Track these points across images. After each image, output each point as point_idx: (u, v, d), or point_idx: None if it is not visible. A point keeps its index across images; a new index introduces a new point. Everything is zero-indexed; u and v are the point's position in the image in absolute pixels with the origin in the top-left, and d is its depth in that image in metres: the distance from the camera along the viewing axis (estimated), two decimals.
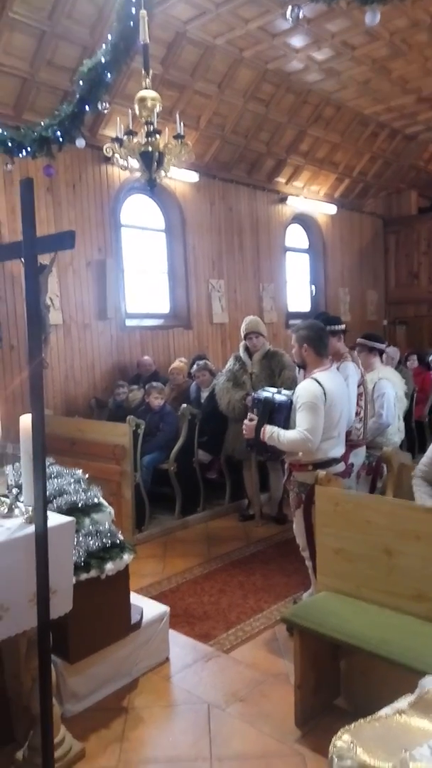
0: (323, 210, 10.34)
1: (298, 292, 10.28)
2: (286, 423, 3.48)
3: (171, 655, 3.40)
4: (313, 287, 10.58)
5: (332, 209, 10.43)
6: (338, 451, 3.50)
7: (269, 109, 7.99)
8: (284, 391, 3.74)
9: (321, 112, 8.57)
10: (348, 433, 3.80)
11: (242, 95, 7.56)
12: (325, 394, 3.33)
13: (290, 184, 9.57)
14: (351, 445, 3.88)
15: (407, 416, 6.27)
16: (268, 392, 3.75)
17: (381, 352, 4.81)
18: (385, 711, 1.50)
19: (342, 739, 1.35)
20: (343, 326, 4.19)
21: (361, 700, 2.82)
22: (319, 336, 3.52)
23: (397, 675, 2.38)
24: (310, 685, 2.82)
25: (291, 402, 3.50)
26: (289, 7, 4.15)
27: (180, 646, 3.51)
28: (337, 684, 2.98)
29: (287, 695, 2.89)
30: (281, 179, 9.39)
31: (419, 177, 11.94)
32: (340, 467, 3.53)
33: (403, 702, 1.52)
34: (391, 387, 4.49)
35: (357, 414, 3.96)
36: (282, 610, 3.78)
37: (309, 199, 9.96)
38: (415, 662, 2.31)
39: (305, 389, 3.39)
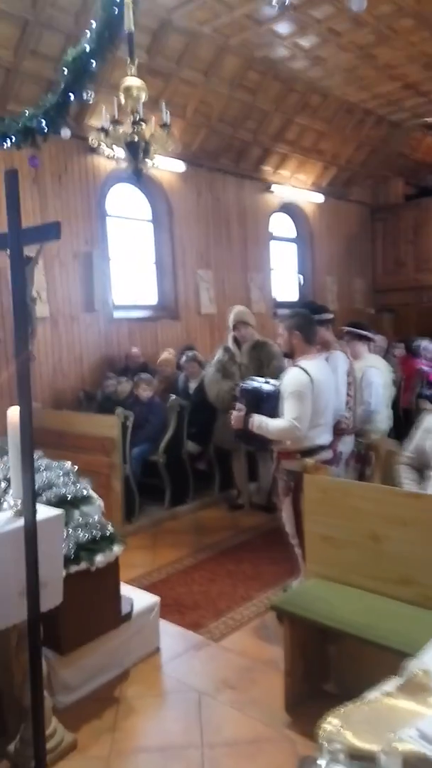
0: (310, 198, 10.32)
1: (285, 282, 10.28)
2: (274, 412, 3.49)
3: (162, 645, 3.43)
4: (301, 276, 10.58)
5: (319, 198, 10.42)
6: (325, 438, 3.53)
7: (256, 97, 7.95)
8: (272, 381, 3.74)
9: (307, 100, 8.54)
10: (337, 422, 3.83)
11: (228, 83, 7.51)
12: (312, 382, 3.35)
13: (277, 173, 9.54)
14: (340, 433, 3.91)
15: (394, 404, 6.31)
16: (255, 382, 3.76)
17: (369, 340, 4.83)
18: (373, 694, 1.52)
19: (331, 723, 1.37)
20: (331, 315, 4.20)
21: (351, 685, 2.86)
22: (309, 324, 3.57)
23: (385, 658, 2.41)
24: (299, 671, 2.86)
25: (278, 392, 3.51)
26: None
27: (170, 635, 3.53)
28: (327, 669, 3.02)
29: (277, 682, 2.93)
30: (268, 168, 9.36)
31: (405, 165, 11.94)
32: (328, 454, 3.55)
33: (390, 685, 1.54)
34: (378, 375, 4.52)
35: (346, 403, 3.98)
36: (271, 597, 3.82)
37: (296, 187, 9.94)
38: (403, 645, 2.34)
39: (292, 378, 3.41)
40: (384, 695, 1.52)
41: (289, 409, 3.36)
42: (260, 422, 3.44)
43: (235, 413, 3.63)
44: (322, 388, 3.41)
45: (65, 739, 2.62)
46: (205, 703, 2.92)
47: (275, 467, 3.67)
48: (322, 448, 3.50)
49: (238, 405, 3.66)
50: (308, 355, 3.51)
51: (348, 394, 4.01)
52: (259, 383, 3.72)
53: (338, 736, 1.26)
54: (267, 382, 3.75)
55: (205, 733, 2.71)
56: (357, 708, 1.46)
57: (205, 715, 2.84)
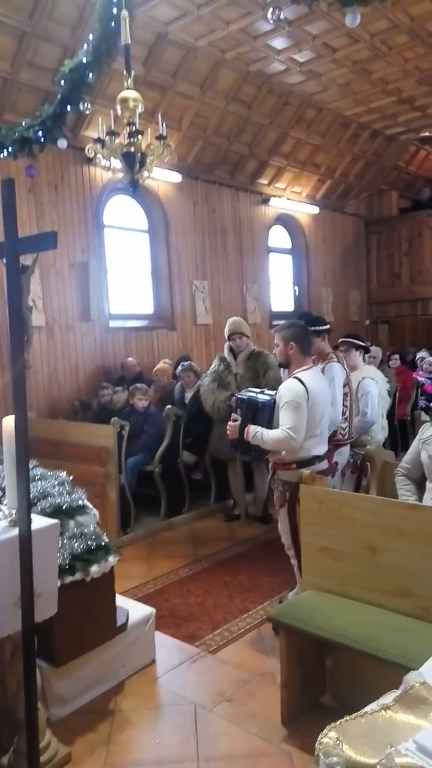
0: (305, 211, 10.39)
1: (281, 293, 10.31)
2: (270, 423, 3.49)
3: (157, 657, 3.40)
4: (296, 288, 10.63)
5: (314, 210, 10.49)
6: (321, 449, 3.53)
7: (251, 110, 8.02)
8: (267, 391, 3.74)
9: (302, 113, 8.62)
10: (333, 433, 3.83)
11: (224, 97, 7.58)
12: (307, 392, 3.35)
13: (272, 186, 9.61)
14: (336, 444, 3.91)
15: (390, 415, 6.33)
16: (251, 393, 3.76)
17: (365, 351, 4.85)
18: (370, 707, 1.51)
19: (328, 736, 1.36)
20: (327, 326, 4.21)
21: (348, 697, 2.84)
22: (305, 335, 3.57)
23: (382, 671, 2.40)
24: (296, 684, 2.83)
25: (274, 402, 3.51)
26: (270, 9, 4.18)
27: (166, 647, 3.50)
28: (323, 682, 2.99)
29: (273, 694, 2.90)
30: (263, 181, 9.42)
31: (400, 178, 12.06)
32: (323, 465, 3.55)
33: (388, 698, 1.53)
34: (374, 385, 4.53)
35: (342, 414, 3.99)
36: (268, 609, 3.79)
37: (291, 200, 10.01)
38: (400, 658, 2.33)
39: (288, 388, 3.40)
40: (382, 708, 1.50)
41: (285, 419, 3.36)
42: (256, 432, 3.43)
43: (231, 423, 3.62)
44: (317, 399, 3.41)
45: (59, 752, 2.59)
46: (200, 716, 2.89)
47: (271, 477, 3.66)
48: (317, 458, 3.50)
49: (234, 415, 3.65)
50: (304, 365, 3.51)
51: (344, 405, 4.02)
52: (255, 393, 3.72)
53: (336, 750, 1.24)
54: (262, 392, 3.75)
55: (201, 746, 2.68)
56: (355, 721, 1.45)
57: (201, 728, 2.81)
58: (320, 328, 4.12)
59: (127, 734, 2.80)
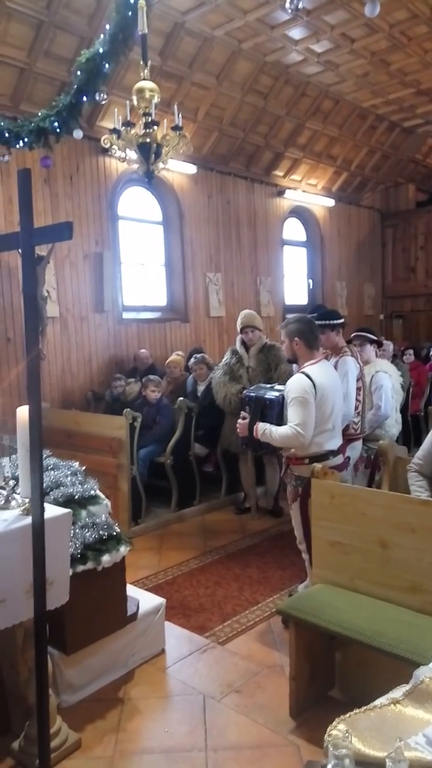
0: (321, 203, 10.32)
1: (295, 286, 10.27)
2: (279, 419, 3.48)
3: (167, 647, 3.42)
4: (311, 281, 10.58)
5: (330, 203, 10.41)
6: (334, 443, 3.51)
7: (267, 101, 7.96)
8: (278, 387, 3.74)
9: (319, 104, 8.55)
10: (346, 427, 3.81)
11: (240, 87, 7.53)
12: (315, 387, 3.31)
13: (288, 178, 9.55)
14: (348, 438, 3.89)
15: (403, 410, 6.29)
16: (261, 389, 3.76)
17: (379, 344, 4.82)
18: (380, 701, 1.51)
19: (337, 729, 1.36)
20: (341, 320, 4.18)
21: (356, 691, 2.85)
22: (310, 329, 3.50)
23: (391, 666, 2.40)
24: (304, 677, 2.84)
25: (283, 398, 3.49)
26: None
27: (176, 637, 3.52)
28: (332, 675, 3.00)
29: (282, 686, 2.92)
30: (279, 172, 9.36)
31: (417, 171, 11.93)
32: (338, 459, 3.54)
33: (398, 692, 1.53)
34: (388, 379, 4.50)
35: (355, 408, 3.97)
36: (277, 602, 3.81)
37: (307, 192, 9.94)
38: (410, 653, 2.32)
39: (295, 384, 3.38)
40: (391, 702, 1.50)
41: (292, 415, 3.34)
42: (264, 429, 3.42)
43: (240, 421, 3.62)
44: (326, 393, 3.37)
45: (69, 738, 2.62)
46: (209, 706, 2.91)
47: (284, 472, 3.66)
48: (332, 453, 3.48)
49: (243, 413, 3.65)
50: (312, 360, 3.47)
51: (357, 399, 3.99)
52: (265, 389, 3.72)
53: (345, 742, 1.25)
54: (272, 388, 3.74)
55: (210, 736, 2.70)
56: (364, 714, 1.45)
57: (210, 718, 2.82)
58: (335, 321, 4.09)
59: (137, 722, 2.82)
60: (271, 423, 3.47)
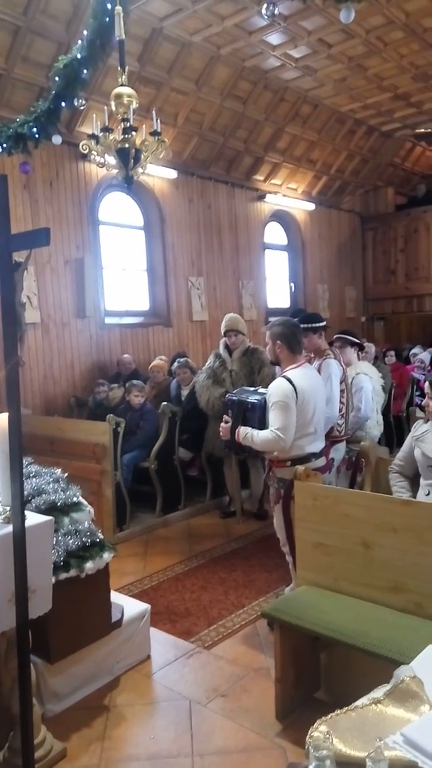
0: (301, 207, 10.39)
1: (277, 290, 10.31)
2: (261, 423, 3.50)
3: (152, 653, 3.41)
4: (292, 284, 10.63)
5: (310, 206, 10.48)
6: (316, 446, 3.53)
7: (246, 106, 8.00)
8: (261, 390, 3.77)
9: (298, 109, 8.61)
10: (330, 430, 3.84)
11: (219, 93, 7.56)
12: (296, 391, 3.34)
13: (268, 182, 9.59)
14: (333, 440, 3.92)
15: (385, 411, 6.34)
16: (245, 392, 3.79)
17: (360, 347, 4.86)
18: (361, 701, 1.52)
19: (318, 730, 1.37)
20: (323, 323, 4.21)
21: (341, 692, 2.85)
22: (293, 333, 3.53)
23: (376, 666, 2.41)
24: (290, 679, 2.85)
25: (265, 402, 3.52)
26: (265, 5, 4.17)
27: (161, 643, 3.51)
28: (318, 677, 3.01)
29: (268, 689, 2.92)
30: (259, 177, 9.41)
31: (396, 174, 12.05)
32: (320, 462, 3.56)
33: (378, 692, 1.54)
34: (368, 381, 4.54)
35: (340, 411, 4.00)
36: (263, 605, 3.81)
37: (287, 196, 10.00)
38: (393, 653, 2.34)
39: (276, 388, 3.40)
40: (373, 702, 1.52)
41: (273, 420, 3.36)
42: (246, 433, 3.45)
43: (222, 425, 3.65)
44: (307, 397, 3.39)
45: (54, 747, 2.60)
46: (195, 711, 2.90)
47: (267, 475, 3.68)
48: (313, 455, 3.50)
49: (225, 417, 3.68)
50: (294, 363, 3.50)
51: (341, 401, 4.02)
52: (248, 393, 3.74)
53: (326, 743, 1.25)
54: (256, 391, 3.77)
55: (196, 741, 2.69)
56: (345, 715, 1.46)
57: (196, 723, 2.82)
58: (317, 324, 4.12)
59: (122, 730, 2.81)
60: (253, 426, 3.49)
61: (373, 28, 6.69)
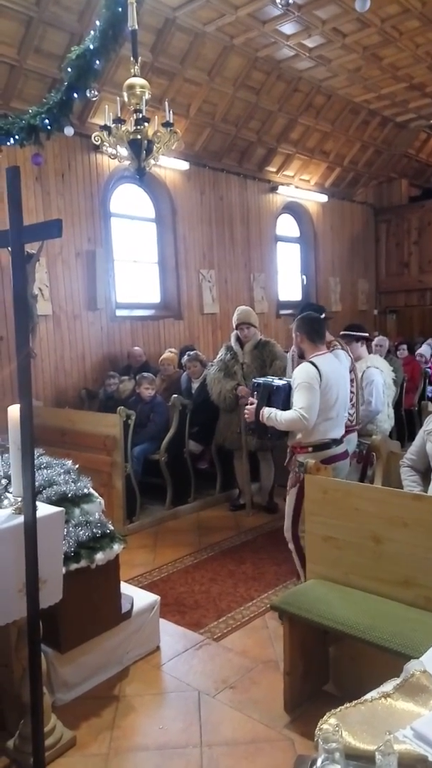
0: (314, 199, 10.32)
1: (289, 282, 10.27)
2: (285, 405, 3.59)
3: (162, 644, 3.42)
4: (304, 277, 10.58)
5: (323, 198, 10.41)
6: (337, 432, 3.61)
7: (260, 97, 7.95)
8: (285, 378, 3.89)
9: (312, 100, 8.54)
10: None
11: (232, 83, 7.51)
12: (320, 375, 3.44)
13: (281, 173, 9.54)
14: (346, 430, 3.92)
15: (397, 405, 6.30)
16: (268, 378, 3.90)
17: (367, 340, 4.83)
18: (370, 695, 1.52)
19: (328, 723, 1.37)
20: (323, 315, 4.19)
21: (350, 686, 2.86)
22: (310, 324, 3.68)
23: (385, 660, 2.41)
24: (299, 672, 2.85)
25: (290, 386, 3.61)
26: None
27: (170, 634, 3.53)
28: (326, 670, 3.01)
29: (277, 682, 2.92)
30: (272, 168, 9.35)
31: (410, 166, 11.94)
32: (341, 448, 3.63)
33: (388, 685, 1.53)
34: (379, 374, 4.52)
35: (350, 400, 4.00)
36: (272, 598, 3.82)
37: (300, 188, 9.94)
38: (402, 647, 2.33)
39: (301, 371, 3.51)
40: (382, 696, 1.51)
41: (297, 399, 3.45)
42: (270, 413, 3.55)
43: (248, 407, 3.76)
44: (331, 383, 3.49)
45: (64, 736, 2.62)
46: (204, 702, 2.92)
47: (288, 460, 3.73)
48: (334, 441, 3.58)
49: (251, 399, 3.79)
50: (317, 352, 3.61)
51: (351, 391, 4.03)
52: (273, 379, 3.84)
53: (335, 736, 1.25)
54: (280, 379, 3.87)
55: (204, 732, 2.70)
56: (355, 708, 1.46)
57: (205, 714, 2.83)
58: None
59: (131, 719, 2.83)
60: (277, 408, 3.58)
61: (389, 16, 6.61)
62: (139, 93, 4.48)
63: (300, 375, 3.49)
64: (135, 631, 3.26)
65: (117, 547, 3.02)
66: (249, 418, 3.77)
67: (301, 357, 3.90)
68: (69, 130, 5.15)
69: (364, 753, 1.29)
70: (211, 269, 8.47)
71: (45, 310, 6.49)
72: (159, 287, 8.17)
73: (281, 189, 9.52)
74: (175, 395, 5.90)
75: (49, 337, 6.63)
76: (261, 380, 3.86)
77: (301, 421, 3.41)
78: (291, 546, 3.65)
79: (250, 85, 7.70)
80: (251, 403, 3.75)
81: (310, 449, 3.52)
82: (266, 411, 3.58)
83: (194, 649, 3.39)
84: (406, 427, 7.26)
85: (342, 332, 4.73)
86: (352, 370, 4.10)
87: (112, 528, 3.06)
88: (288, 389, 3.63)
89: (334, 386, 3.51)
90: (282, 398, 3.63)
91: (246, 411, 3.82)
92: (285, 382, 3.70)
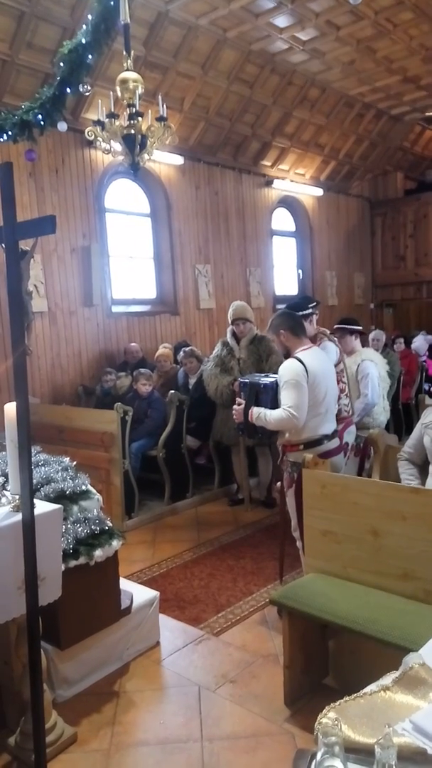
0: (309, 193, 10.29)
1: (285, 277, 10.25)
2: (273, 404, 3.54)
3: (161, 639, 3.43)
4: (300, 271, 10.56)
5: (318, 192, 10.39)
6: (328, 427, 3.54)
7: (254, 90, 7.91)
8: (272, 375, 3.80)
9: (306, 93, 8.50)
10: (338, 412, 3.83)
11: (226, 77, 7.47)
12: (306, 371, 3.37)
13: (276, 167, 9.51)
14: (342, 422, 3.91)
15: (394, 399, 6.31)
16: (255, 377, 3.82)
17: (361, 334, 4.82)
18: (370, 688, 1.52)
19: (327, 716, 1.37)
20: (309, 310, 4.12)
21: (350, 679, 2.87)
22: (290, 318, 3.60)
23: (384, 653, 2.41)
24: (299, 666, 2.86)
25: (277, 384, 3.55)
26: None
27: (170, 630, 3.54)
28: (326, 663, 3.02)
29: (277, 676, 2.93)
30: (267, 162, 9.32)
31: (405, 158, 11.91)
32: (334, 443, 3.58)
33: (387, 679, 1.54)
34: (374, 367, 4.52)
35: (342, 390, 3.98)
36: (271, 592, 3.82)
37: (295, 182, 9.91)
38: (402, 640, 2.34)
39: (286, 368, 3.43)
40: (381, 689, 1.51)
41: (285, 398, 3.39)
42: (259, 413, 3.48)
43: (236, 407, 3.69)
44: (318, 378, 3.42)
45: (65, 732, 2.63)
46: (204, 697, 2.92)
47: (280, 459, 3.70)
48: (326, 437, 3.52)
49: (238, 399, 3.72)
50: (302, 347, 3.53)
51: (342, 381, 4.01)
52: (259, 376, 3.78)
53: (334, 729, 1.25)
54: (267, 376, 3.81)
55: (205, 726, 2.71)
56: (354, 701, 1.46)
57: (205, 708, 2.84)
58: (304, 312, 4.06)
59: (132, 715, 2.83)
60: (265, 407, 3.52)
61: (383, 9, 6.58)
62: (132, 87, 4.44)
63: (286, 372, 3.41)
64: (135, 627, 3.27)
65: (116, 544, 3.02)
66: (237, 419, 3.70)
67: (286, 356, 3.85)
68: (62, 126, 5.11)
69: (363, 746, 1.30)
70: (206, 264, 8.45)
71: (40, 307, 6.47)
72: (155, 283, 8.15)
73: (276, 183, 9.50)
74: (172, 391, 5.90)
75: (45, 334, 6.61)
76: (247, 379, 3.77)
77: (291, 420, 3.35)
78: (299, 543, 3.61)
79: (244, 78, 7.66)
80: (239, 404, 3.68)
81: (301, 447, 3.45)
82: (255, 411, 3.51)
83: (194, 644, 3.40)
84: (403, 421, 7.27)
85: (336, 326, 4.73)
86: (340, 361, 4.06)
87: (110, 524, 3.06)
88: (275, 387, 3.56)
89: (321, 381, 3.44)
90: (270, 397, 3.57)
91: (234, 411, 3.74)
92: (272, 380, 3.63)
